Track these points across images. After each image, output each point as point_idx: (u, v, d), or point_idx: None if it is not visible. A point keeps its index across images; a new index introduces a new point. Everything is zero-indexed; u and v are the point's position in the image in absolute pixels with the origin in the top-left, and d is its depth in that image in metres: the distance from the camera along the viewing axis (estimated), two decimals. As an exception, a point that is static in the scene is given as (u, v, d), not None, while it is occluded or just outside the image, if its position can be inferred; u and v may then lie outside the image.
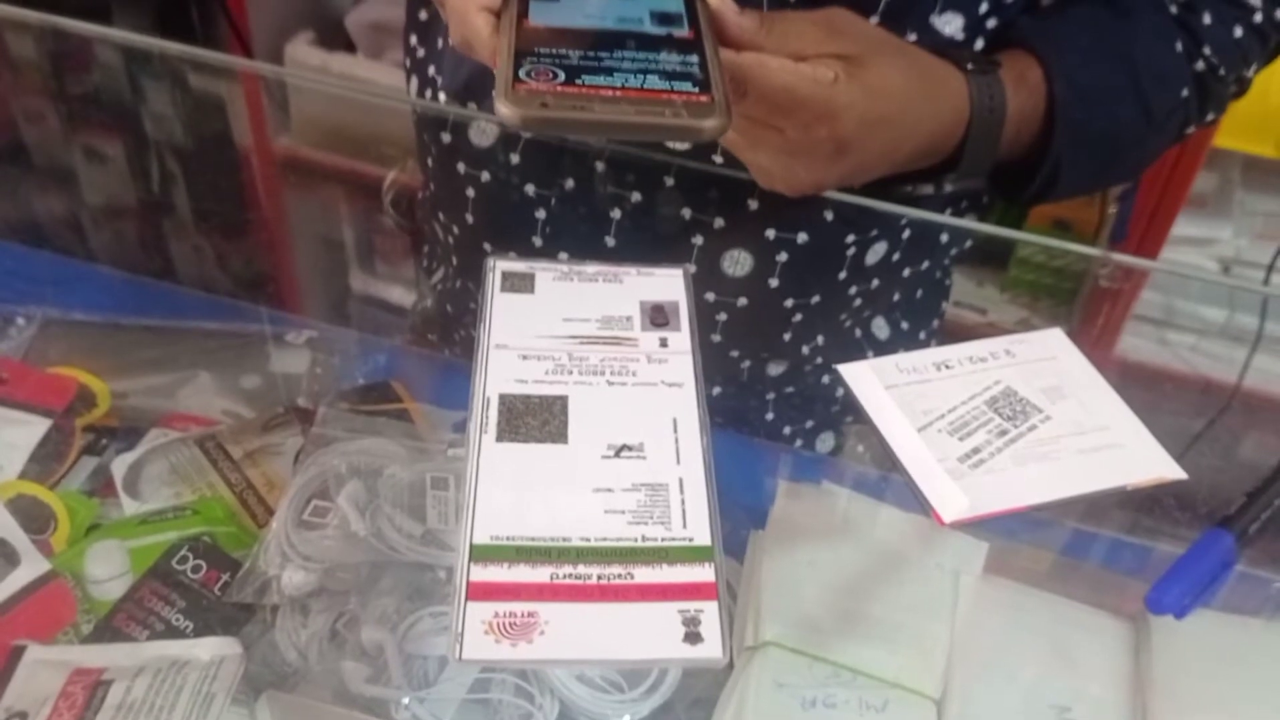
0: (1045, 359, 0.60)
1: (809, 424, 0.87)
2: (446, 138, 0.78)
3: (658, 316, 0.59)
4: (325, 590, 0.60)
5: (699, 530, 0.47)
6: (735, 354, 0.81)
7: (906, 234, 0.76)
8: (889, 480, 0.69)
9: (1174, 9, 0.71)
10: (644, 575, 0.45)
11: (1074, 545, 0.72)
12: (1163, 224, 1.58)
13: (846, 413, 0.85)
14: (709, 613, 0.44)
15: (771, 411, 0.85)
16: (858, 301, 0.79)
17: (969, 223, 0.81)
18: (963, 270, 1.82)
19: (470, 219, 0.81)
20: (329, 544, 0.61)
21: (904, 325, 0.86)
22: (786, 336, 0.79)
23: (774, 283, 0.75)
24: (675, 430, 0.51)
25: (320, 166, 1.65)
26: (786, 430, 0.87)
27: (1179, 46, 0.70)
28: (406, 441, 0.68)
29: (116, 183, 1.32)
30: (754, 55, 0.53)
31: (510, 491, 0.48)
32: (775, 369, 0.82)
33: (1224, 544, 0.60)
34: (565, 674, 0.58)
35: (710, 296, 0.76)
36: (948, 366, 0.59)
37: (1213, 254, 1.69)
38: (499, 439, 0.50)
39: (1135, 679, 0.61)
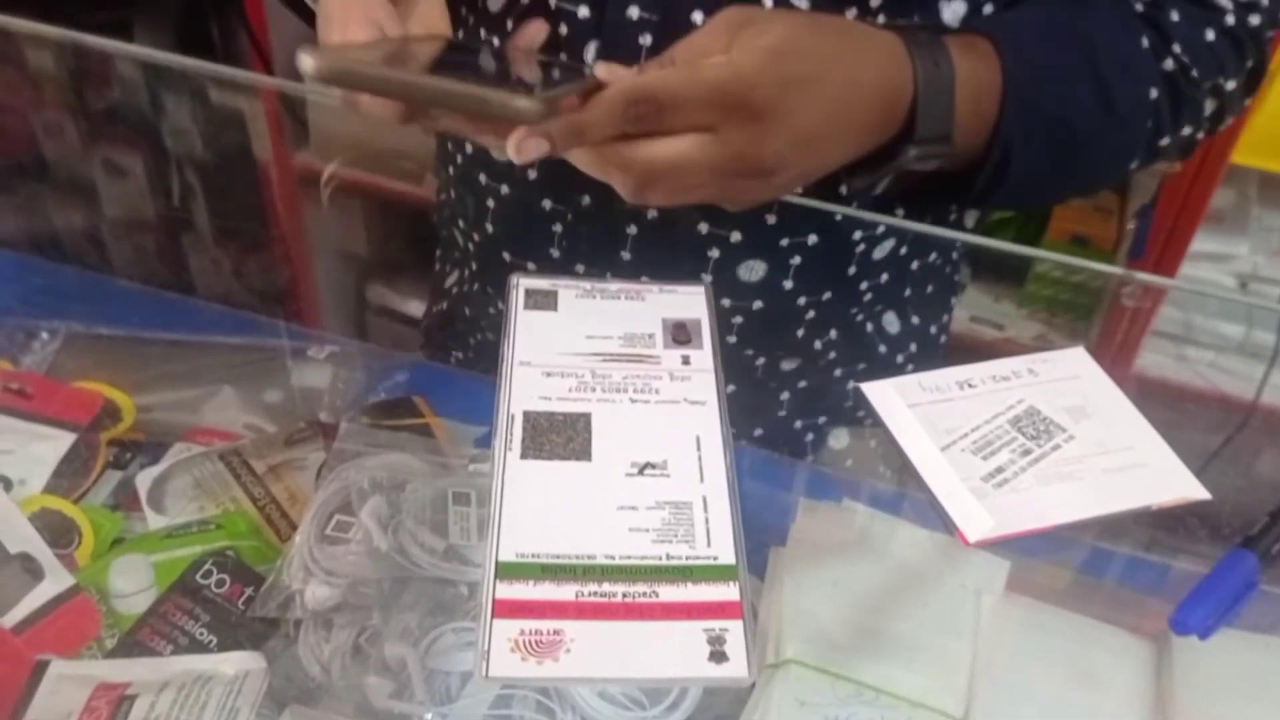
0: (1068, 378, 0.60)
1: (822, 420, 0.87)
2: (469, 149, 0.79)
3: (680, 334, 0.59)
4: (348, 605, 0.60)
5: (723, 549, 0.47)
6: (750, 353, 0.81)
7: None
8: (908, 498, 0.69)
9: (1139, 6, 0.68)
10: (669, 594, 0.45)
11: (1094, 563, 0.72)
12: (1181, 240, 1.58)
13: (859, 408, 0.85)
14: (734, 632, 0.44)
15: (785, 409, 0.86)
16: (868, 296, 0.80)
17: (989, 240, 0.81)
18: (980, 285, 1.83)
19: (490, 229, 0.81)
20: (352, 559, 0.61)
21: (915, 319, 0.86)
22: (800, 333, 0.80)
23: (787, 284, 0.76)
24: (698, 448, 0.52)
25: (340, 181, 1.66)
26: (798, 425, 0.87)
27: (1144, 41, 0.67)
28: (428, 457, 0.68)
29: (138, 197, 1.33)
30: (635, 80, 0.53)
31: (535, 509, 0.48)
32: (788, 365, 0.83)
33: (1247, 565, 0.60)
34: (587, 691, 0.58)
35: (726, 302, 0.76)
36: (970, 385, 0.59)
37: (1230, 270, 1.69)
38: (523, 456, 0.50)
39: (1157, 699, 0.61)
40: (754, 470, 0.85)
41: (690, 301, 0.62)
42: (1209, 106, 0.71)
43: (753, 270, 0.74)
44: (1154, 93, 0.67)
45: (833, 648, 0.61)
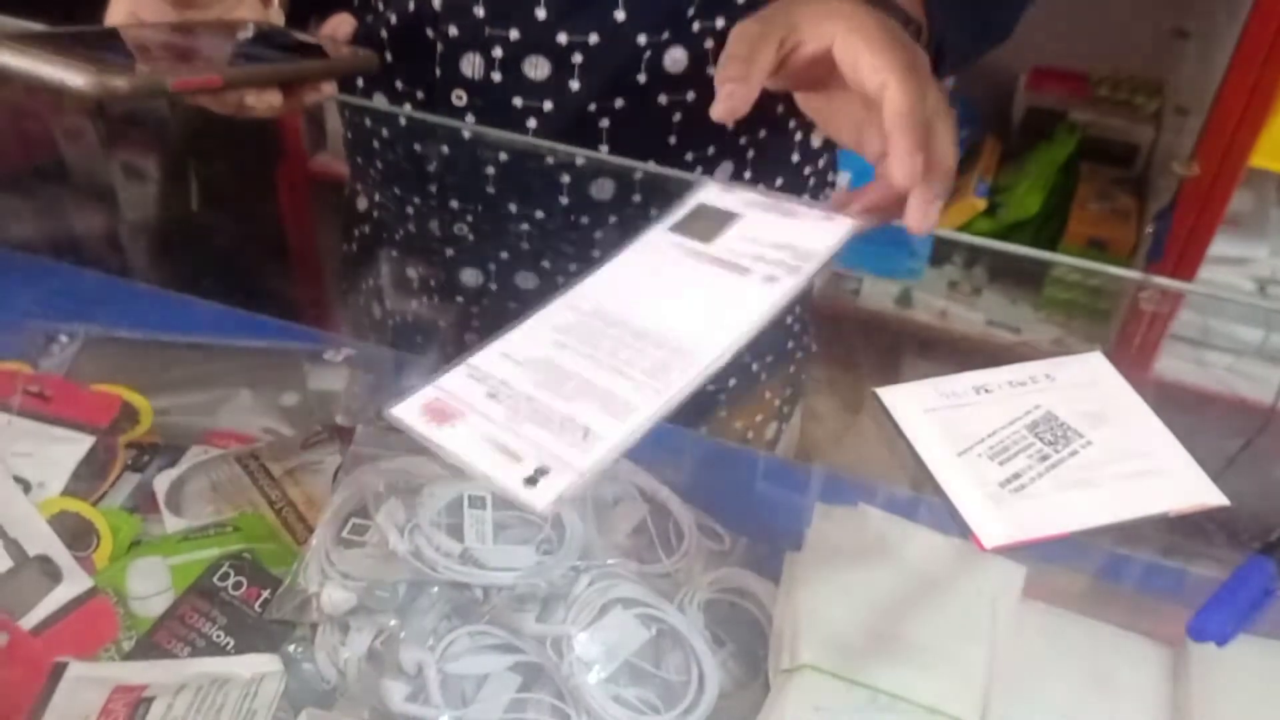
0: (1086, 383, 0.60)
1: (710, 150, 0.85)
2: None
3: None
4: (364, 608, 0.60)
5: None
6: (690, 156, 0.81)
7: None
8: (924, 502, 0.68)
9: None
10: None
11: (1112, 569, 0.71)
12: (1200, 244, 1.57)
13: (743, 134, 0.84)
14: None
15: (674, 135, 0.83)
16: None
17: (1006, 244, 0.81)
18: (996, 289, 1.83)
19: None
20: (368, 562, 0.61)
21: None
22: (728, 126, 0.75)
23: (710, 70, 0.75)
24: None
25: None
26: (689, 157, 0.83)
27: None
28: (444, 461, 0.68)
29: (156, 201, 1.34)
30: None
31: None
32: (671, 63, 0.78)
33: (1266, 571, 0.60)
34: (602, 695, 0.58)
35: (662, 99, 0.77)
36: (987, 390, 0.58)
37: (1249, 274, 1.68)
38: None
39: (1175, 706, 0.61)
40: (769, 475, 0.85)
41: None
42: None
43: (677, 61, 0.75)
44: None
45: (848, 653, 0.61)
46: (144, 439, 0.74)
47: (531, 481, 0.44)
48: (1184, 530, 0.63)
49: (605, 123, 0.77)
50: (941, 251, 1.87)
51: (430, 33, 0.75)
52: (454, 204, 0.84)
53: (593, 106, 0.76)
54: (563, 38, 0.73)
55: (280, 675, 0.58)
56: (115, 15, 0.62)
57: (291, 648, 0.60)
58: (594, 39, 0.73)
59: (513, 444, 0.46)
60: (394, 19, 0.77)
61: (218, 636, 0.60)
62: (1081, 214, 1.80)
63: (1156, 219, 1.66)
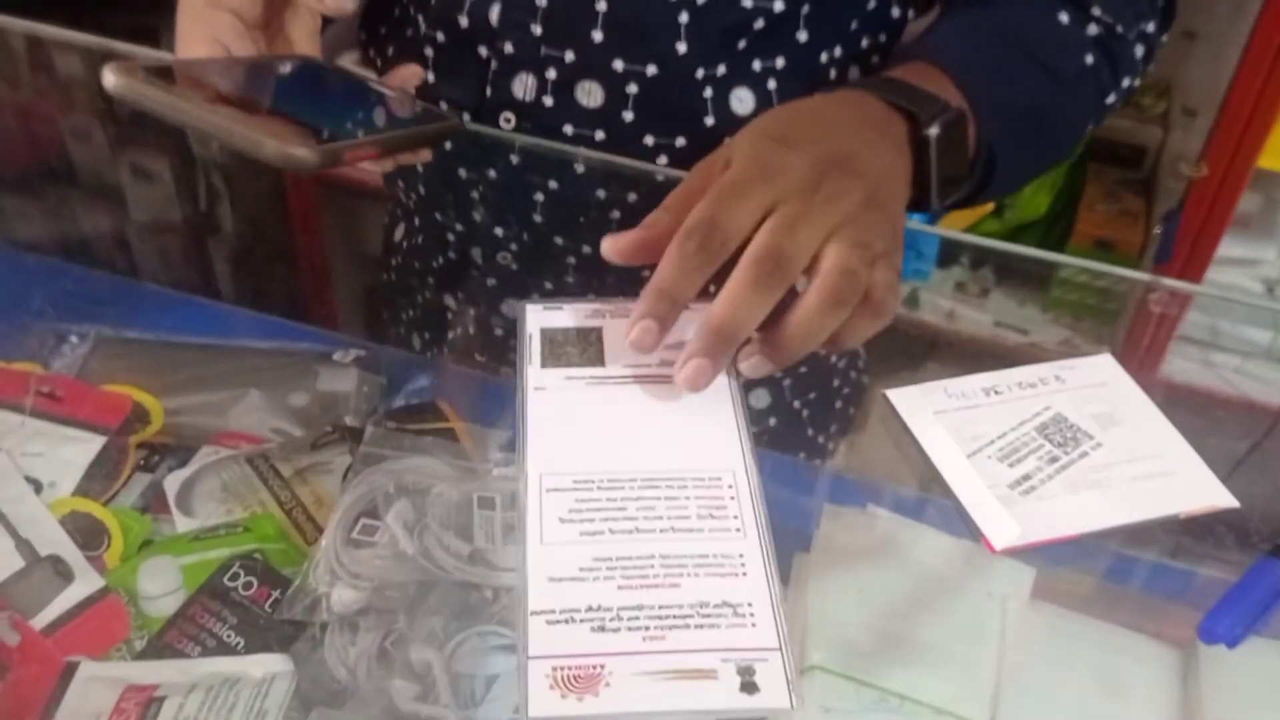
0: (1095, 384, 0.60)
1: None
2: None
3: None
4: (374, 608, 0.60)
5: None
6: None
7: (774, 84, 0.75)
8: (933, 504, 0.68)
9: None
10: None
11: (1121, 571, 0.71)
12: (1208, 245, 1.57)
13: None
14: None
15: None
16: None
17: (1014, 245, 0.81)
18: (1004, 290, 1.82)
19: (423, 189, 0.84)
20: (378, 562, 0.61)
21: None
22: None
23: (681, 48, 0.73)
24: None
25: (365, 185, 1.67)
26: None
27: (1063, 17, 0.70)
28: (453, 461, 0.68)
29: (165, 202, 1.34)
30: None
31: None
32: (739, 104, 0.77)
33: (1276, 572, 0.60)
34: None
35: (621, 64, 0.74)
36: (997, 392, 0.59)
37: (1257, 275, 1.68)
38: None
39: (1185, 708, 0.61)
40: (777, 475, 0.84)
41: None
42: (1139, 52, 0.74)
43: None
44: (1089, 58, 0.70)
45: (857, 654, 0.61)
46: (155, 439, 0.74)
47: (751, 688, 0.41)
48: (1194, 532, 0.63)
49: (664, 159, 0.75)
50: (948, 252, 1.87)
51: (484, 50, 0.74)
52: (499, 231, 0.82)
53: (650, 140, 0.75)
54: (619, 64, 0.71)
55: (291, 675, 0.58)
56: (194, 42, 0.59)
57: (301, 648, 0.60)
58: (651, 70, 0.72)
59: (682, 664, 0.41)
60: (441, 36, 0.75)
61: (228, 636, 0.60)
62: (1089, 215, 1.80)
63: (1164, 220, 1.66)
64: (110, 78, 0.50)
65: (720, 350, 0.49)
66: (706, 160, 0.55)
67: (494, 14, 0.72)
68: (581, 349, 0.55)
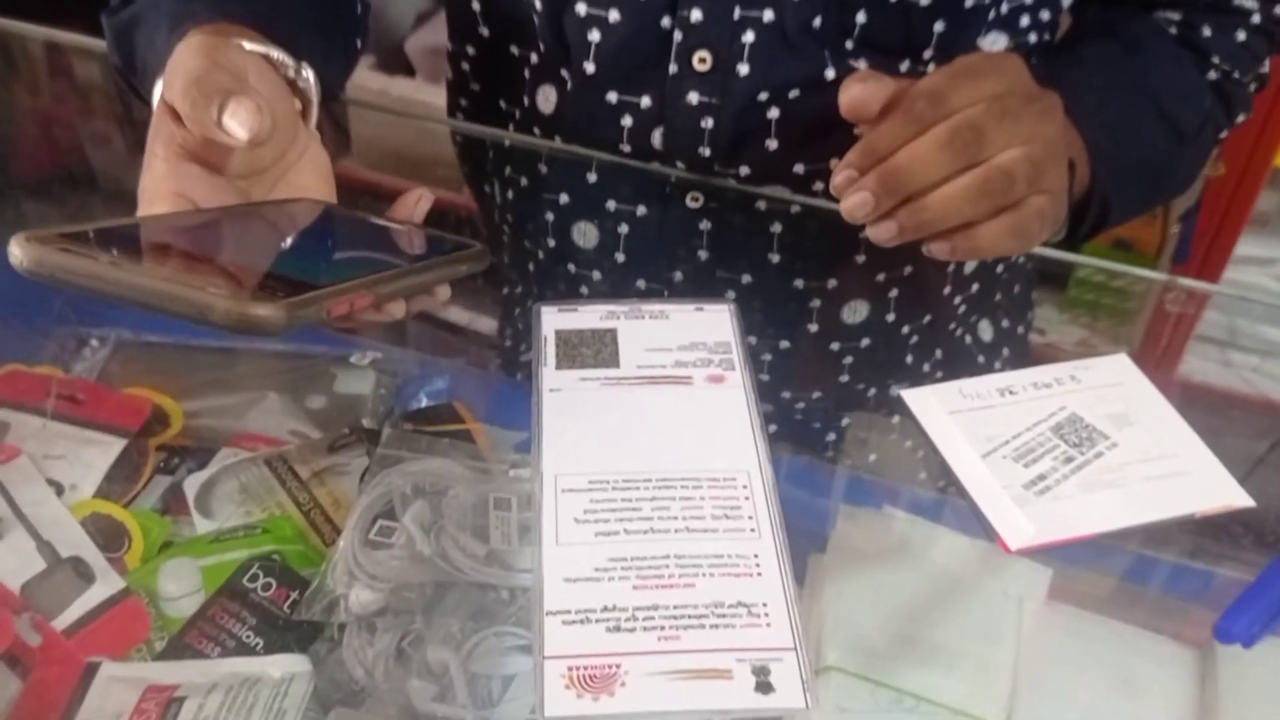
0: (1111, 384, 0.60)
1: None
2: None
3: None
4: (391, 609, 0.61)
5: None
6: (861, 387, 0.83)
7: None
8: (949, 504, 0.68)
9: (1173, 30, 0.72)
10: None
11: (1137, 571, 0.71)
12: (1225, 244, 1.56)
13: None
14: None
15: (895, 432, 0.86)
16: (962, 309, 0.81)
17: (1040, 248, 0.81)
18: (1021, 290, 1.81)
19: (552, 242, 0.82)
20: (395, 563, 0.62)
21: (1004, 323, 0.87)
22: (908, 360, 0.82)
23: (890, 317, 0.77)
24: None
25: (380, 188, 1.67)
26: (908, 444, 0.87)
27: (1186, 58, 0.72)
28: (469, 462, 0.69)
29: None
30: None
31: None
32: (898, 391, 0.83)
33: (1293, 573, 0.60)
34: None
35: (835, 346, 0.78)
36: (1012, 392, 0.58)
37: (1275, 274, 1.67)
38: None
39: (1201, 708, 0.61)
40: (792, 476, 0.84)
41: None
42: (1252, 88, 0.76)
43: (856, 311, 0.76)
44: (1207, 103, 0.72)
45: (873, 655, 0.61)
46: (174, 442, 0.74)
47: (765, 688, 0.41)
48: (1210, 532, 0.63)
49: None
50: (965, 253, 1.87)
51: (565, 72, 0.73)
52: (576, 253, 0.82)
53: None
54: (693, 98, 0.69)
55: (309, 675, 0.58)
56: (156, 200, 0.53)
57: (320, 648, 0.60)
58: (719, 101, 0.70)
59: (697, 664, 0.42)
60: (535, 58, 0.75)
61: (247, 637, 0.60)
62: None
63: (1182, 219, 1.65)
64: (17, 252, 0.42)
65: (888, 192, 0.50)
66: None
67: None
68: (596, 350, 0.55)
